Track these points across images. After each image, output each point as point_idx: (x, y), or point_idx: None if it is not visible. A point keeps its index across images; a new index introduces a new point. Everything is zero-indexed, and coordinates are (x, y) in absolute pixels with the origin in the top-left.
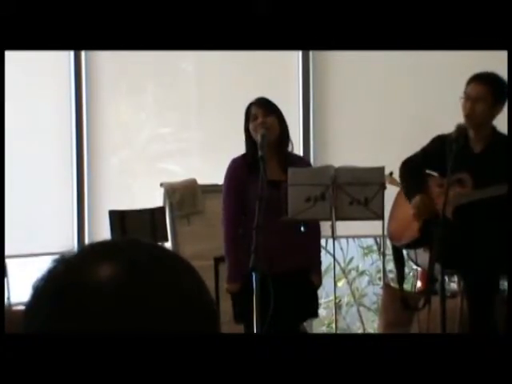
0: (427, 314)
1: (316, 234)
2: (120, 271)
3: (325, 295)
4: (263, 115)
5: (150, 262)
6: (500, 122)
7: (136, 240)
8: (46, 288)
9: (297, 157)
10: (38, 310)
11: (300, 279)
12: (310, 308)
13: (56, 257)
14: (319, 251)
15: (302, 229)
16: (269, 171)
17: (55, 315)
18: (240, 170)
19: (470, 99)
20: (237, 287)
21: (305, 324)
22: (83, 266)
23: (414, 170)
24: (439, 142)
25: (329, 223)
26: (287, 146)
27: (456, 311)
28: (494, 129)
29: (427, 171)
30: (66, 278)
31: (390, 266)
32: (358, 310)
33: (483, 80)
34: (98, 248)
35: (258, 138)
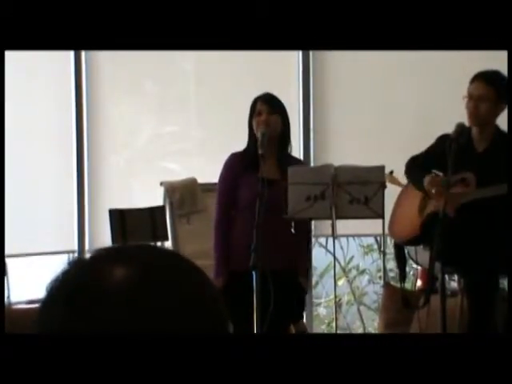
0: (427, 313)
1: (305, 236)
2: (133, 274)
3: (325, 294)
4: (267, 112)
5: (162, 266)
6: (500, 122)
7: (150, 245)
8: (59, 289)
9: (296, 159)
10: (51, 312)
11: (287, 279)
12: (295, 309)
13: (70, 259)
14: (307, 254)
15: (293, 230)
16: (265, 169)
17: (69, 316)
18: (236, 164)
19: (473, 98)
20: (219, 283)
21: (305, 323)
22: (97, 268)
23: (418, 167)
24: (442, 141)
25: (329, 222)
26: (287, 146)
27: (456, 310)
28: (497, 128)
29: (433, 170)
30: (80, 279)
31: (391, 264)
32: (359, 309)
33: (486, 79)
34: (112, 251)
35: (258, 135)
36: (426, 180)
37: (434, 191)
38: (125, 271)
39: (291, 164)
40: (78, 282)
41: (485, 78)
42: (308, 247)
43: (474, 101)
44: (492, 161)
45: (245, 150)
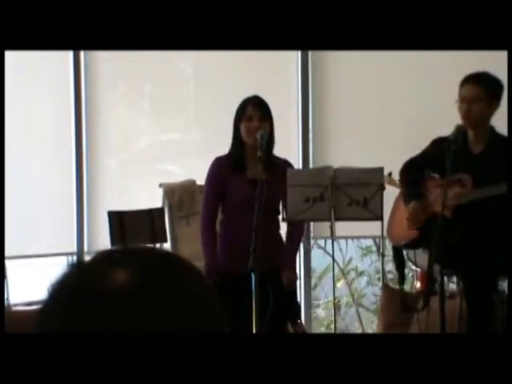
0: (426, 315)
1: (299, 231)
2: (133, 276)
3: (324, 296)
4: (259, 119)
5: (162, 268)
6: (500, 122)
7: (149, 247)
8: (60, 291)
9: (281, 160)
10: (52, 314)
11: (276, 278)
12: (287, 310)
13: (71, 261)
14: (296, 250)
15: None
16: (252, 170)
17: (69, 319)
18: (223, 167)
19: (465, 101)
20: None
21: (304, 325)
22: (98, 270)
23: (413, 173)
24: (439, 143)
25: (328, 224)
26: (272, 150)
27: (455, 312)
28: (492, 129)
29: (429, 173)
30: (81, 282)
31: (389, 266)
32: (357, 311)
33: (476, 80)
34: (113, 254)
35: (257, 137)
36: (411, 206)
37: (412, 218)
38: (125, 273)
39: (276, 163)
40: (79, 284)
41: (475, 79)
42: (299, 243)
43: (466, 103)
44: (488, 162)
45: (229, 153)
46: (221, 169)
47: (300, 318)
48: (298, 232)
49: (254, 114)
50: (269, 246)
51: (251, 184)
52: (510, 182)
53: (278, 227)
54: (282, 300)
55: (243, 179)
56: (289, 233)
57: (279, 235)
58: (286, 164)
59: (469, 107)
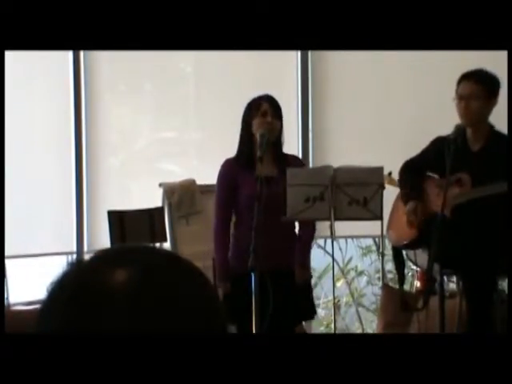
0: (426, 315)
1: (310, 233)
2: (134, 275)
3: (323, 295)
4: (273, 115)
5: (162, 267)
6: (500, 122)
7: (149, 246)
8: (60, 291)
9: (291, 156)
10: (52, 313)
11: (290, 279)
12: (303, 309)
13: (70, 260)
14: (308, 249)
15: (296, 229)
16: (262, 168)
17: (69, 318)
18: (232, 169)
19: (463, 99)
20: (227, 287)
21: (304, 324)
22: (98, 270)
23: (413, 173)
24: (439, 143)
25: (328, 223)
26: (282, 148)
27: (455, 311)
28: (491, 127)
29: (428, 173)
30: (80, 281)
31: (389, 266)
32: (357, 311)
33: (473, 78)
34: (113, 253)
35: (257, 136)
36: (408, 206)
37: (410, 219)
38: (125, 272)
39: (288, 161)
40: (79, 283)
41: (472, 76)
42: (310, 243)
43: (464, 101)
44: (487, 160)
45: (239, 150)
46: (231, 169)
47: (308, 318)
48: (309, 231)
49: (268, 110)
50: (274, 245)
51: (261, 182)
52: (510, 181)
53: (289, 225)
54: (282, 300)
55: (252, 177)
56: (300, 233)
57: (287, 234)
58: (294, 160)
59: (467, 105)
